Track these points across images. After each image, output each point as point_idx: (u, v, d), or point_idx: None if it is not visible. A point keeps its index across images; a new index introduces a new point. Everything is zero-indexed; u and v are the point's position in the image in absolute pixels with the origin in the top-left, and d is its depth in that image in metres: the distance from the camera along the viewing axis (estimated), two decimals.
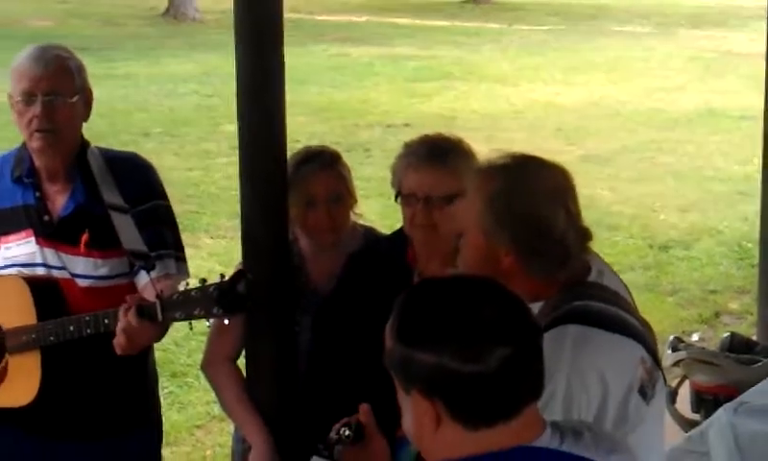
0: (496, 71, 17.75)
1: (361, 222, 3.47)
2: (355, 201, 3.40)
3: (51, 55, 3.11)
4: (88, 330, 3.00)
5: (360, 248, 3.30)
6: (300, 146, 3.46)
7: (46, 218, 3.16)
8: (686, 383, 5.39)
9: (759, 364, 5.19)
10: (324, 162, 3.33)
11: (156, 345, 3.33)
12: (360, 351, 2.88)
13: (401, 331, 1.85)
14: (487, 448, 1.81)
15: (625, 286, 2.65)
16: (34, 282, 3.14)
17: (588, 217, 2.57)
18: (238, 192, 3.21)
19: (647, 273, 8.26)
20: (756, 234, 6.40)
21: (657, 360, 2.49)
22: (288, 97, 3.19)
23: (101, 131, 10.41)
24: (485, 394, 1.80)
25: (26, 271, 3.16)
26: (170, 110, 14.08)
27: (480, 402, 1.81)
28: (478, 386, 1.79)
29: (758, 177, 6.18)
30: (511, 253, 2.41)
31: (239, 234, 3.22)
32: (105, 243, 3.12)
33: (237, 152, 3.21)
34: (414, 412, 1.85)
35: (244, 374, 3.30)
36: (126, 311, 2.89)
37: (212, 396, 5.01)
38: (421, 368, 1.81)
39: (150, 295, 2.96)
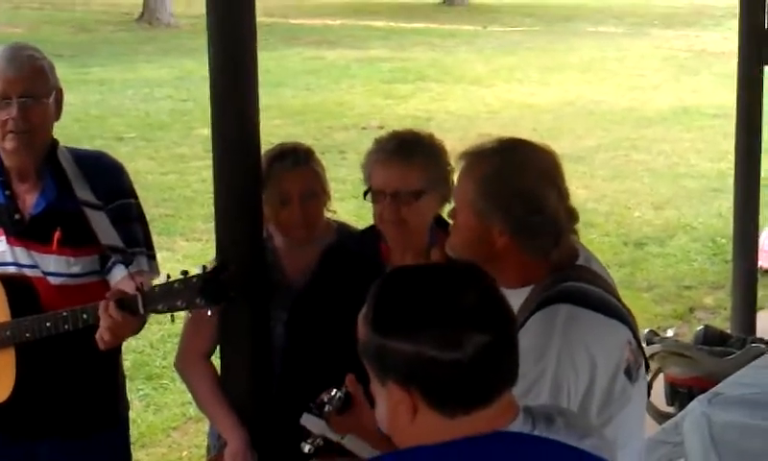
0: (471, 72, 17.79)
1: (335, 218, 3.48)
2: (329, 197, 3.41)
3: (24, 56, 3.10)
4: (66, 326, 2.99)
5: (333, 243, 3.30)
6: None
7: (17, 217, 3.14)
8: (661, 377, 5.43)
9: (733, 356, 5.24)
10: (298, 159, 3.33)
11: (131, 347, 3.33)
12: (334, 347, 2.88)
13: (376, 321, 1.83)
14: (462, 434, 1.81)
15: (608, 274, 2.68)
16: (7, 280, 3.12)
17: None
18: (213, 194, 3.21)
19: (622, 269, 8.29)
20: (730, 230, 6.45)
21: (640, 344, 2.54)
22: (263, 100, 3.19)
23: (75, 135, 10.38)
24: (463, 381, 1.79)
25: None
26: (145, 115, 14.05)
27: (458, 390, 1.79)
28: (456, 374, 1.78)
29: (732, 173, 6.23)
30: (505, 232, 2.44)
31: (214, 237, 3.22)
32: (77, 241, 3.11)
33: (211, 154, 3.21)
34: (389, 402, 1.83)
35: (218, 371, 3.30)
36: (106, 305, 2.88)
37: (188, 397, 5.01)
38: (398, 357, 1.79)
39: (127, 289, 2.95)
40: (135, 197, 3.25)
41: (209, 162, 3.29)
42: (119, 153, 10.25)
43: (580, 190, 10.54)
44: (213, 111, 3.16)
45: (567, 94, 15.85)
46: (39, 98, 3.07)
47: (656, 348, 5.35)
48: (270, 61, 16.00)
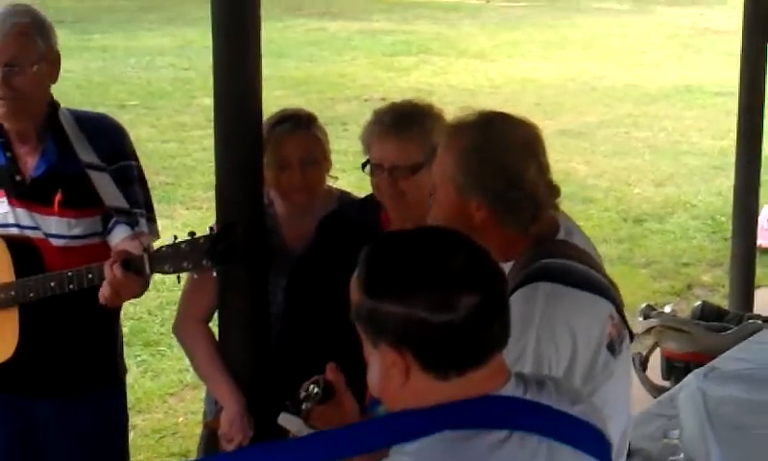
0: (474, 46, 17.76)
1: (336, 186, 3.48)
2: (331, 165, 3.40)
3: (9, 23, 3.06)
4: (71, 286, 3.00)
5: (332, 211, 3.30)
6: None
7: (18, 178, 3.15)
8: (657, 351, 5.44)
9: (730, 332, 5.25)
10: (299, 124, 3.32)
11: (129, 313, 3.34)
12: (332, 313, 2.88)
13: (369, 284, 1.84)
14: (454, 396, 1.82)
15: (593, 246, 2.68)
16: (10, 241, 3.13)
17: (563, 190, 2.59)
18: (213, 162, 3.21)
19: (621, 245, 8.31)
20: (730, 208, 6.46)
21: (623, 317, 2.52)
22: (265, 71, 3.19)
23: (77, 102, 10.31)
24: (455, 342, 1.80)
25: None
26: (147, 83, 14.04)
27: (450, 351, 1.81)
28: (448, 335, 1.79)
29: (733, 152, 6.23)
30: (483, 207, 2.43)
31: (214, 205, 3.23)
32: (78, 202, 3.12)
33: (213, 124, 3.21)
34: (382, 364, 1.85)
35: (216, 336, 3.31)
36: (111, 264, 2.89)
37: (185, 364, 5.04)
38: (390, 320, 1.81)
39: (132, 249, 2.96)
40: (136, 159, 3.25)
41: (210, 131, 3.29)
42: (121, 120, 10.23)
43: (581, 166, 10.55)
44: (216, 80, 3.16)
45: (570, 70, 15.83)
46: (24, 65, 3.04)
47: (653, 322, 5.36)
48: (273, 32, 15.96)
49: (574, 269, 2.45)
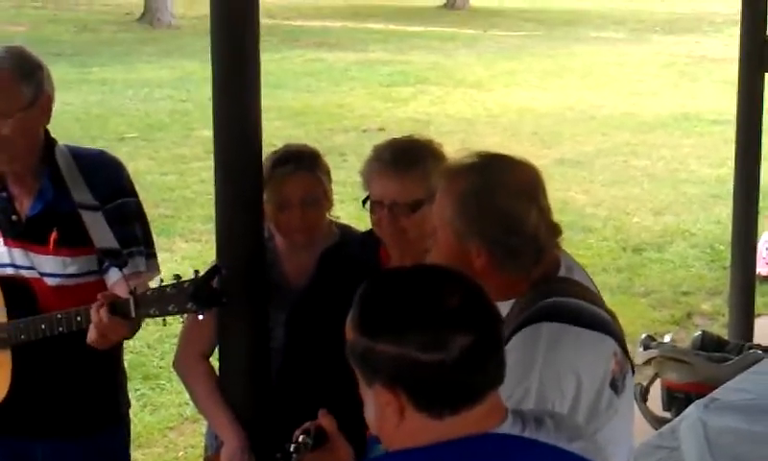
0: (472, 76, 17.80)
1: (337, 221, 3.47)
2: (332, 204, 3.39)
3: None
4: (60, 329, 2.99)
5: (332, 246, 3.30)
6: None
7: (14, 218, 3.14)
8: (658, 382, 5.43)
9: (730, 362, 5.24)
10: (301, 164, 3.32)
11: (128, 347, 3.32)
12: (332, 349, 2.87)
13: (363, 323, 1.84)
14: (451, 435, 1.82)
15: (591, 280, 2.66)
16: (4, 281, 3.13)
17: (562, 220, 2.58)
18: (213, 195, 3.21)
19: (620, 274, 8.31)
20: (729, 236, 6.46)
21: (626, 351, 2.50)
22: (263, 102, 3.19)
23: (76, 135, 10.39)
24: (448, 382, 1.80)
25: None
26: (145, 115, 14.05)
27: (443, 391, 1.80)
28: (441, 375, 1.79)
29: (731, 180, 6.24)
30: (483, 252, 2.40)
31: (213, 238, 3.22)
32: (73, 241, 3.11)
33: (212, 156, 3.21)
34: (376, 404, 1.85)
35: (217, 371, 3.30)
36: (98, 308, 2.88)
37: (185, 397, 5.02)
38: (384, 359, 1.81)
39: (122, 292, 2.96)
40: (135, 195, 3.24)
41: (209, 163, 3.29)
42: (120, 153, 10.17)
43: (579, 195, 10.56)
44: (215, 113, 3.16)
45: (568, 99, 15.86)
46: (7, 115, 2.99)
47: (653, 353, 5.35)
48: (270, 63, 16.00)
49: (577, 307, 2.43)
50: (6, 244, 3.14)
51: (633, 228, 9.66)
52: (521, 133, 13.18)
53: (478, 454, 1.82)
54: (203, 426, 3.73)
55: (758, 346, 5.50)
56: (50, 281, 3.12)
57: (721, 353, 5.42)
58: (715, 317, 7.46)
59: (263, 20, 3.18)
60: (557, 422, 1.95)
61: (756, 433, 3.92)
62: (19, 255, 3.14)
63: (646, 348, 5.37)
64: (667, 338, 5.85)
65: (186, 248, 8.60)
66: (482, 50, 21.05)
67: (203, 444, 3.62)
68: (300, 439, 2.33)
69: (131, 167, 3.36)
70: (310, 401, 2.60)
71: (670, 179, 11.41)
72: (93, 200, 3.10)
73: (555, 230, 2.50)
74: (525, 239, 2.41)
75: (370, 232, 3.20)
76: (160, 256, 3.36)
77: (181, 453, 5.54)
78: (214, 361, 3.34)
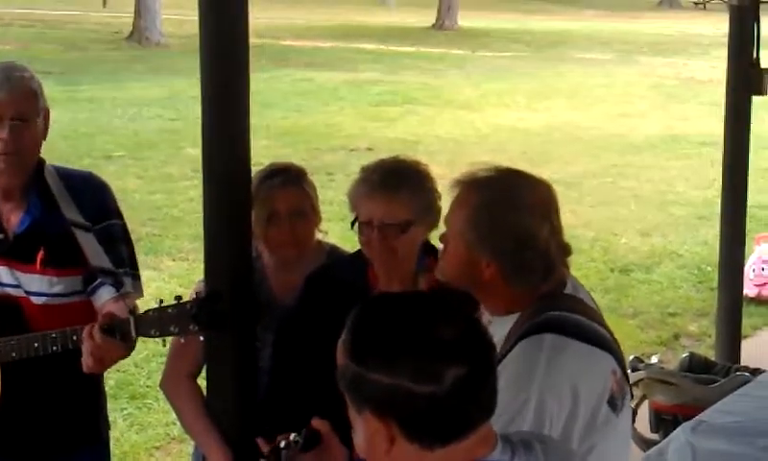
0: (460, 96, 17.86)
1: (326, 240, 3.47)
2: (320, 219, 3.41)
3: (16, 77, 3.07)
4: (54, 348, 2.95)
5: (318, 268, 3.29)
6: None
7: (1, 236, 3.12)
8: (645, 404, 5.43)
9: (718, 384, 5.24)
10: (288, 179, 3.33)
11: (115, 366, 3.29)
12: (320, 371, 2.87)
13: (354, 349, 1.82)
14: None
15: (595, 304, 2.67)
16: None
17: None
18: (201, 214, 3.20)
19: (608, 295, 8.31)
20: (716, 258, 6.47)
21: (625, 373, 2.53)
22: (252, 121, 3.18)
23: (64, 154, 10.35)
24: (439, 414, 1.77)
25: None
26: (133, 134, 14.05)
27: (434, 422, 1.78)
28: (432, 406, 1.76)
29: (718, 201, 6.26)
30: (492, 265, 2.43)
31: (201, 257, 3.21)
32: (60, 261, 3.09)
33: (199, 175, 3.20)
34: (366, 430, 1.82)
35: (204, 391, 3.29)
36: (89, 333, 2.85)
37: (172, 417, 5.00)
38: (375, 387, 1.78)
39: (117, 312, 2.93)
40: (121, 217, 3.23)
41: (197, 182, 3.29)
42: (107, 171, 10.27)
43: (567, 216, 10.45)
44: (204, 132, 3.15)
45: (555, 120, 15.92)
46: (30, 120, 3.05)
47: (641, 374, 5.36)
48: (259, 82, 16.02)
49: (579, 322, 2.45)
50: None
51: (620, 249, 9.68)
52: (509, 153, 13.20)
53: None
54: (189, 447, 3.71)
55: (746, 368, 5.50)
56: (36, 300, 3.11)
57: (708, 375, 5.42)
58: (702, 338, 7.47)
59: (252, 40, 3.18)
60: (546, 447, 1.94)
61: (743, 455, 3.92)
62: (5, 273, 3.12)
63: (634, 369, 5.37)
64: (654, 359, 5.85)
65: (173, 266, 8.57)
66: (470, 70, 21.13)
67: None
68: (292, 437, 2.32)
69: (118, 186, 3.35)
70: (297, 422, 2.59)
71: (658, 200, 11.45)
72: (84, 220, 3.09)
73: (565, 249, 2.53)
74: (535, 255, 2.43)
75: (358, 253, 3.20)
76: (147, 275, 3.36)
77: None
78: (201, 381, 3.33)
